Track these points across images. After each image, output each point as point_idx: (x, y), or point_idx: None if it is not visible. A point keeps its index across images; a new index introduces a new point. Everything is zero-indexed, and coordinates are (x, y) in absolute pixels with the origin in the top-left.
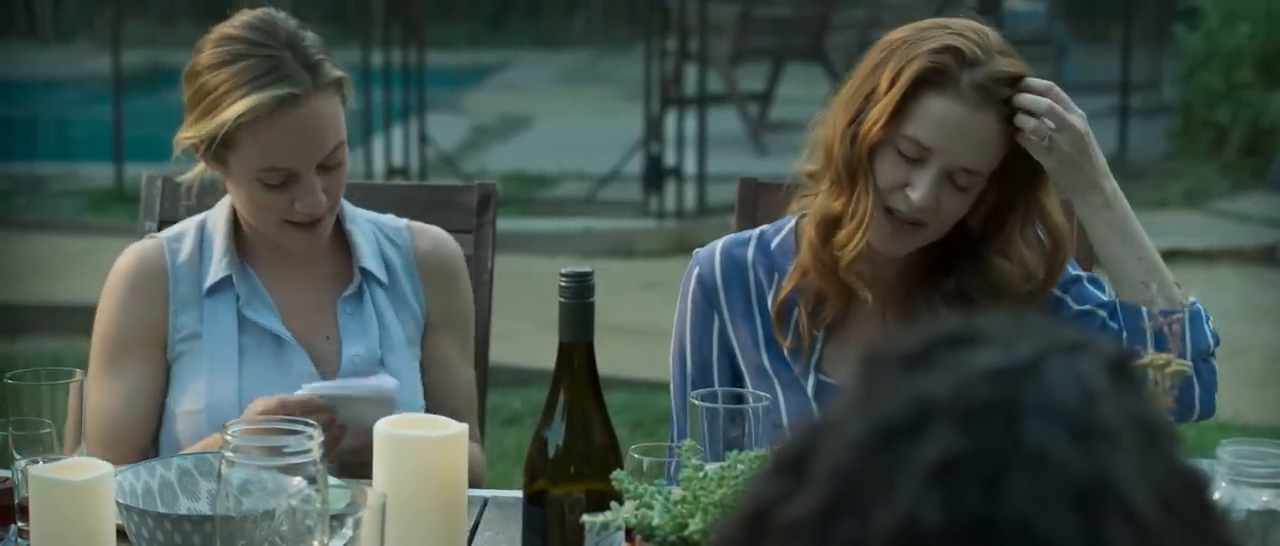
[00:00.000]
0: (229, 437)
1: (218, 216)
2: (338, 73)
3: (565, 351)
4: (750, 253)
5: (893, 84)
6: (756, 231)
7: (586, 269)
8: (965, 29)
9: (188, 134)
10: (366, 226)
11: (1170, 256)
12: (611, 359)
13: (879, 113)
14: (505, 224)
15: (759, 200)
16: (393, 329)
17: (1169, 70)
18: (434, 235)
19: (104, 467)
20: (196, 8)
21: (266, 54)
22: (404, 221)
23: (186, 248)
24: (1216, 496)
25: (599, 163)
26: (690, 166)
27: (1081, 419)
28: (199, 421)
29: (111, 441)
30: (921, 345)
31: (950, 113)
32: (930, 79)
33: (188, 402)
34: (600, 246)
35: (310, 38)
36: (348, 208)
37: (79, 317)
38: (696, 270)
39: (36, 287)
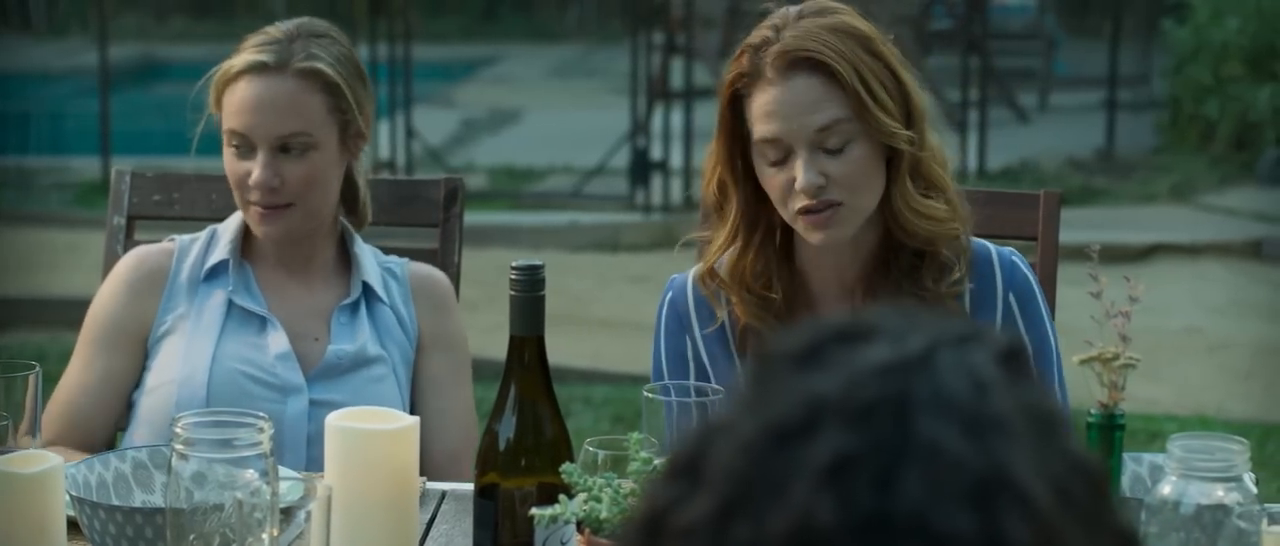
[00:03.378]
0: (180, 430)
1: (230, 221)
2: (320, 66)
3: (516, 345)
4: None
5: (720, 112)
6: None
7: (537, 262)
8: (769, 19)
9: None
10: (370, 253)
11: (1156, 250)
12: (595, 352)
13: (722, 141)
14: (492, 217)
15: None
16: (387, 340)
17: (1158, 65)
18: (429, 268)
19: (54, 460)
20: (189, 2)
21: (268, 34)
22: (404, 259)
23: (196, 247)
24: (1166, 490)
25: (588, 156)
26: (677, 160)
27: (974, 411)
28: (169, 393)
29: (68, 423)
30: (811, 342)
31: (769, 99)
32: (742, 87)
33: (161, 375)
34: (586, 240)
35: (318, 44)
36: (355, 236)
37: (65, 310)
38: (669, 295)
39: (23, 281)
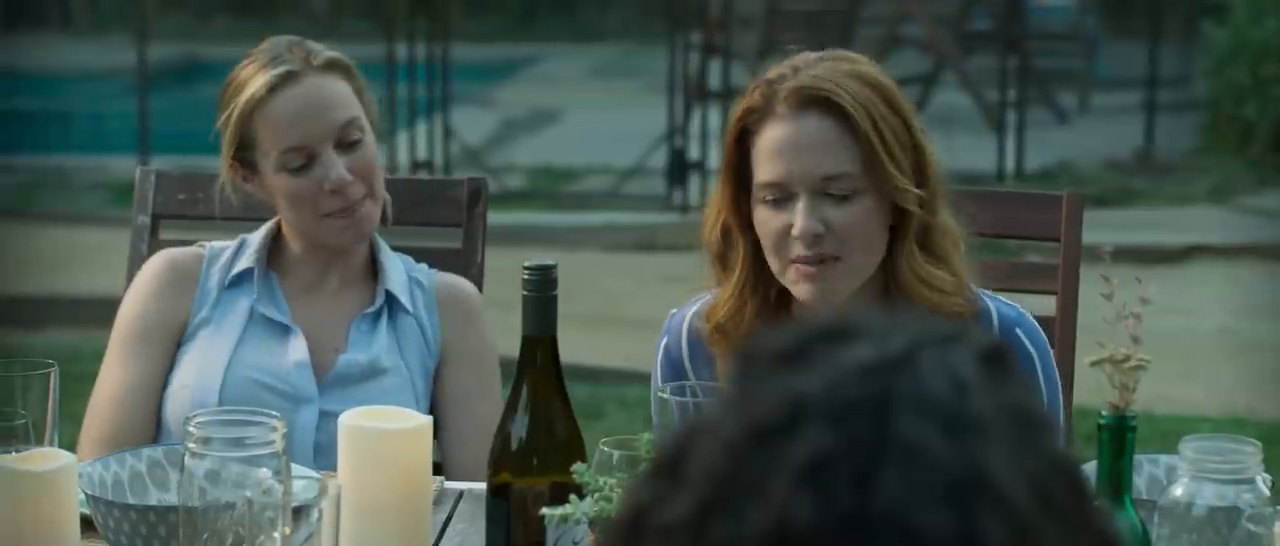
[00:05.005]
0: (192, 429)
1: (259, 230)
2: (333, 54)
3: (529, 345)
4: None
5: (726, 148)
6: None
7: (550, 262)
8: (790, 59)
9: (223, 152)
10: (397, 262)
11: (1191, 252)
12: (629, 353)
13: (725, 182)
14: (529, 217)
15: None
16: (406, 350)
17: (1199, 66)
18: (457, 279)
19: (66, 458)
20: (232, 2)
21: (268, 52)
22: (432, 269)
23: (225, 256)
24: (1178, 492)
25: (627, 156)
26: (714, 161)
27: (954, 411)
28: (185, 396)
29: (115, 427)
30: (796, 342)
31: (779, 136)
32: (751, 121)
33: (181, 378)
34: (623, 240)
35: (312, 42)
36: (383, 245)
37: (98, 310)
38: (665, 341)
39: (58, 279)
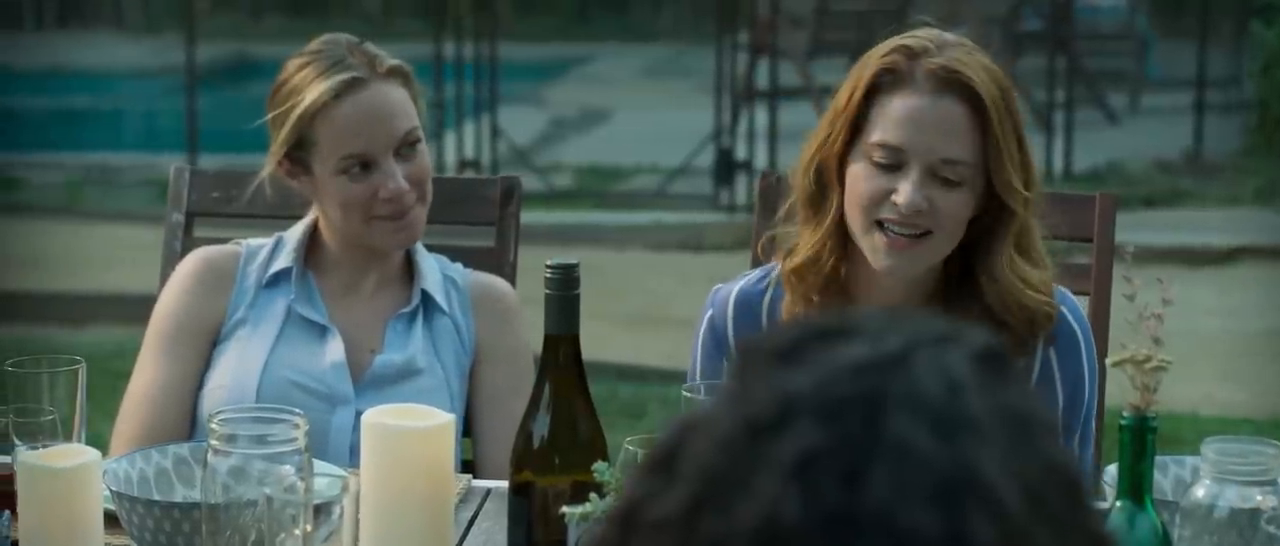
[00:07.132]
0: (216, 426)
1: (295, 228)
2: (396, 62)
3: (551, 343)
4: (767, 299)
5: (850, 97)
6: (775, 270)
7: (572, 261)
8: (919, 31)
9: (274, 149)
10: (432, 262)
11: (1238, 253)
12: (674, 353)
13: (839, 128)
14: (577, 216)
15: (780, 194)
16: (442, 350)
17: (1249, 66)
18: (492, 278)
19: (90, 454)
20: (284, 1)
21: (329, 54)
22: (467, 269)
23: (262, 254)
24: (1200, 493)
25: (675, 156)
26: (761, 160)
27: (946, 411)
28: (221, 396)
29: (148, 425)
30: (792, 340)
31: (911, 106)
32: (884, 82)
33: (217, 378)
34: (670, 240)
35: (374, 46)
36: (418, 245)
37: (143, 307)
38: (710, 313)
39: (105, 277)
